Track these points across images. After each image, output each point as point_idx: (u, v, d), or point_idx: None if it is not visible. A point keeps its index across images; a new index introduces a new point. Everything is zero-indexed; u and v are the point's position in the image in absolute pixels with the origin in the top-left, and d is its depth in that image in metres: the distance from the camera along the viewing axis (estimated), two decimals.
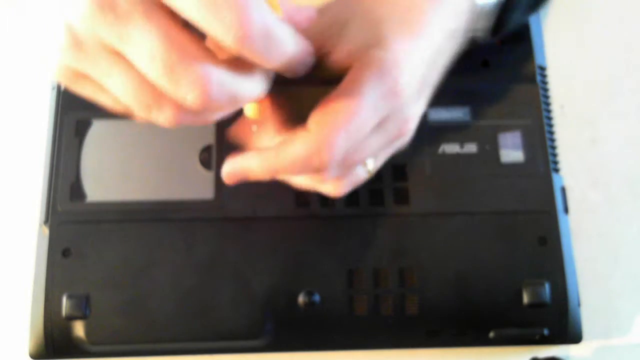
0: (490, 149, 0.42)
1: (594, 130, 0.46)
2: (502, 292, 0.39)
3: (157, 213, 0.40)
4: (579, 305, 0.40)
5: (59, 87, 0.43)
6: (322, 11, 0.34)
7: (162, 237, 0.40)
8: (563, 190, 0.42)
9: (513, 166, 0.42)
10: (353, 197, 0.41)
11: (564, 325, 0.39)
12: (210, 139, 0.42)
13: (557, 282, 0.39)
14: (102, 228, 0.40)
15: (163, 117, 0.27)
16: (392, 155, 0.36)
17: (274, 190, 0.41)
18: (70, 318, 0.38)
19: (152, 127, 0.42)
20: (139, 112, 0.27)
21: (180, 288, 0.39)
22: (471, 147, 0.42)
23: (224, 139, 0.41)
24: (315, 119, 0.30)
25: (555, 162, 0.42)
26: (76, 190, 0.41)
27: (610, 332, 0.42)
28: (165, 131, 0.42)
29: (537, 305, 0.39)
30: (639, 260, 0.43)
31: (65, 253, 0.39)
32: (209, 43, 0.26)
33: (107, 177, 0.41)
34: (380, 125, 0.32)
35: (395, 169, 0.41)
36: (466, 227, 0.40)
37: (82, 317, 0.38)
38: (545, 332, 0.39)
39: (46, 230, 0.40)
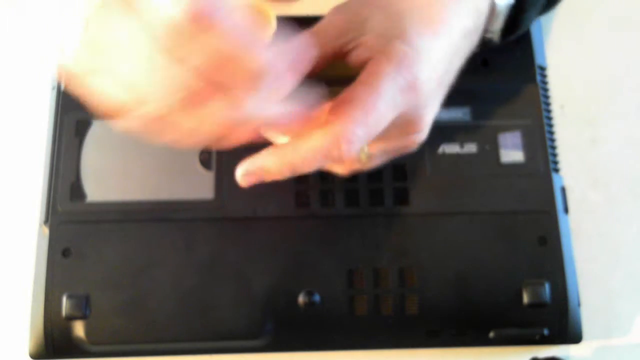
0: (490, 149, 0.42)
1: (594, 130, 0.46)
2: (502, 292, 0.39)
3: (157, 213, 0.40)
4: (579, 305, 0.40)
5: (59, 87, 0.43)
6: (341, 8, 0.34)
7: (162, 237, 0.40)
8: (563, 190, 0.42)
9: (513, 166, 0.42)
10: (353, 197, 0.41)
11: (564, 325, 0.39)
12: None
13: (557, 282, 0.39)
14: (102, 228, 0.40)
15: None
16: (402, 153, 0.36)
17: (274, 190, 0.40)
18: (70, 318, 0.38)
19: None
20: (142, 103, 0.26)
21: (180, 288, 0.39)
22: (471, 147, 0.42)
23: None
24: (335, 111, 0.30)
25: (555, 162, 0.42)
26: (76, 190, 0.41)
27: (610, 332, 0.42)
28: None
29: (537, 305, 0.39)
30: (639, 260, 0.43)
31: (65, 253, 0.39)
32: None
33: (107, 177, 0.41)
34: (395, 119, 0.31)
35: (395, 169, 0.41)
36: (466, 227, 0.40)
37: (82, 317, 0.38)
38: (545, 332, 0.39)
39: (46, 230, 0.40)
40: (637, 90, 0.47)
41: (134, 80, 0.26)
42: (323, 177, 0.41)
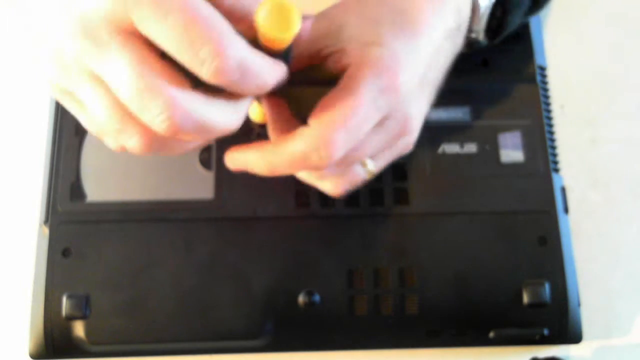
0: (490, 149, 0.42)
1: (594, 130, 0.46)
2: (502, 292, 0.39)
3: (157, 213, 0.40)
4: (579, 305, 0.40)
5: None
6: (320, 16, 0.34)
7: (162, 237, 0.40)
8: (563, 190, 0.42)
9: (513, 166, 0.42)
10: (353, 197, 0.41)
11: (564, 325, 0.39)
12: None
13: (557, 282, 0.39)
14: (102, 228, 0.40)
15: (132, 142, 0.28)
16: (397, 157, 0.36)
17: (274, 190, 0.41)
18: (70, 318, 0.38)
19: None
20: (111, 135, 0.29)
21: (180, 288, 0.39)
22: (471, 147, 0.42)
23: (224, 139, 0.41)
24: (315, 116, 0.30)
25: (555, 162, 0.42)
26: (76, 190, 0.41)
27: (610, 332, 0.42)
28: None
29: (537, 305, 0.39)
30: (639, 260, 0.43)
31: (65, 253, 0.39)
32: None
33: (107, 177, 0.41)
34: (381, 123, 0.32)
35: (395, 169, 0.41)
36: (466, 227, 0.40)
37: (82, 317, 0.38)
38: (545, 332, 0.39)
39: (46, 230, 0.40)
40: (637, 90, 0.47)
41: (97, 117, 0.28)
42: None
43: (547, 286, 0.39)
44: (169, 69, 0.26)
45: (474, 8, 0.37)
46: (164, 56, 0.26)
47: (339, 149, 0.30)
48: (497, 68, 0.44)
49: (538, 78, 0.44)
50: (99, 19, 0.25)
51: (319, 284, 0.39)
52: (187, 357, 0.40)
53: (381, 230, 0.40)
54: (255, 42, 0.28)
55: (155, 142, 0.28)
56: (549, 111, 0.44)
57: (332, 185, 0.36)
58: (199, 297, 0.39)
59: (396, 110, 0.32)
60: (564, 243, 0.40)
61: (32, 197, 0.42)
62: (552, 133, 0.43)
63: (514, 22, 0.39)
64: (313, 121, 0.30)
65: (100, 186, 0.41)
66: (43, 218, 0.40)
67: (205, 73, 0.25)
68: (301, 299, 0.39)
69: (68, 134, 0.42)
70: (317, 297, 0.39)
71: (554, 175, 0.42)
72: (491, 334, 0.39)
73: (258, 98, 0.35)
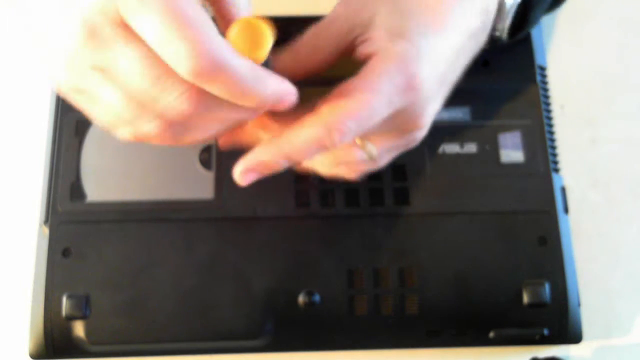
0: (490, 149, 0.42)
1: (594, 130, 0.46)
2: (502, 292, 0.39)
3: (157, 213, 0.40)
4: (579, 305, 0.40)
5: None
6: (353, 3, 0.34)
7: (162, 237, 0.40)
8: (563, 190, 0.42)
9: (513, 166, 0.42)
10: (353, 197, 0.41)
11: (564, 325, 0.39)
12: None
13: (557, 282, 0.39)
14: (102, 228, 0.40)
15: (150, 127, 0.28)
16: (402, 150, 0.36)
17: (274, 190, 0.41)
18: (70, 318, 0.38)
19: None
20: (128, 123, 0.29)
21: (180, 288, 0.39)
22: (471, 147, 0.42)
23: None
24: (328, 101, 0.30)
25: (555, 162, 0.42)
26: (76, 190, 0.41)
27: (610, 332, 0.42)
28: None
29: (537, 305, 0.39)
30: (639, 260, 0.43)
31: (65, 253, 0.39)
32: None
33: (107, 177, 0.41)
34: (393, 116, 0.32)
35: (395, 169, 0.41)
36: (466, 227, 0.40)
37: (82, 317, 0.38)
38: (545, 332, 0.39)
39: (46, 230, 0.40)
40: (637, 90, 0.47)
41: (113, 108, 0.28)
42: (323, 177, 0.41)
43: (547, 286, 0.39)
44: None
45: (500, 6, 0.37)
46: None
47: (348, 135, 0.30)
48: (497, 68, 0.44)
49: (538, 78, 0.44)
50: (99, 15, 0.26)
51: (319, 284, 0.39)
52: (187, 357, 0.40)
53: (381, 230, 0.40)
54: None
55: (173, 127, 0.28)
56: (549, 111, 0.44)
57: (350, 173, 0.36)
58: (199, 297, 0.39)
59: (410, 106, 0.32)
60: (564, 243, 0.40)
61: (32, 197, 0.42)
62: (552, 133, 0.43)
63: (536, 18, 0.39)
64: (327, 106, 0.30)
65: (100, 186, 0.41)
66: (43, 218, 0.40)
67: (181, 71, 0.25)
68: (301, 299, 0.39)
69: (68, 134, 0.42)
70: (317, 297, 0.39)
71: (554, 175, 0.42)
72: (491, 334, 0.39)
73: None
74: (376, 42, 0.32)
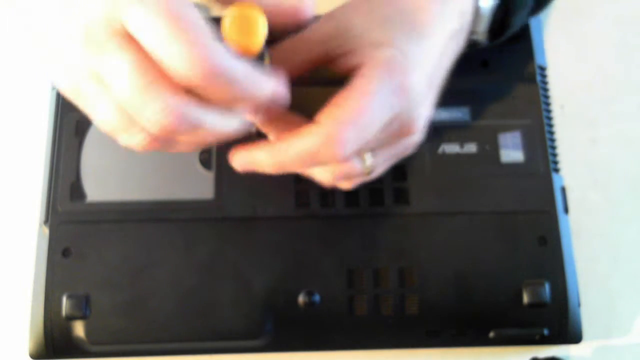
0: (490, 149, 0.42)
1: (594, 130, 0.46)
2: (502, 292, 0.39)
3: (157, 213, 0.40)
4: (579, 305, 0.40)
5: None
6: (327, 17, 0.34)
7: (162, 237, 0.40)
8: (563, 190, 0.42)
9: (513, 166, 0.42)
10: (353, 197, 0.41)
11: (564, 325, 0.39)
12: None
13: (557, 282, 0.39)
14: (102, 228, 0.40)
15: (135, 141, 0.29)
16: (400, 156, 0.36)
17: (274, 190, 0.41)
18: (70, 318, 0.38)
19: None
20: (117, 133, 0.29)
21: (180, 288, 0.39)
22: (471, 147, 0.42)
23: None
24: (326, 113, 0.30)
25: (555, 162, 0.42)
26: (76, 190, 0.41)
27: (610, 332, 0.42)
28: None
29: (537, 305, 0.39)
30: (639, 260, 0.43)
31: (65, 253, 0.39)
32: None
33: (107, 177, 0.41)
34: (389, 123, 0.32)
35: (395, 169, 0.41)
36: (466, 227, 0.40)
37: (82, 317, 0.38)
38: (545, 332, 0.39)
39: (46, 230, 0.40)
40: (637, 90, 0.47)
41: (106, 116, 0.29)
42: None
43: (547, 286, 0.39)
44: (164, 72, 0.26)
45: (476, 9, 0.37)
46: None
47: (349, 147, 0.30)
48: (497, 68, 0.44)
49: (538, 78, 0.44)
50: (96, 20, 0.26)
51: (319, 284, 0.39)
52: (187, 357, 0.40)
53: (381, 230, 0.40)
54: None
55: (158, 140, 0.29)
56: (549, 111, 0.44)
57: (346, 183, 0.36)
58: (199, 297, 0.39)
59: (405, 110, 0.32)
60: (564, 243, 0.40)
61: (32, 197, 0.42)
62: (552, 133, 0.43)
63: (517, 22, 0.39)
64: (323, 118, 0.30)
65: (100, 186, 0.41)
66: (43, 218, 0.40)
67: (180, 73, 0.25)
68: (301, 299, 0.39)
69: (68, 134, 0.42)
70: (317, 297, 0.39)
71: (554, 175, 0.42)
72: (491, 334, 0.39)
73: None
74: (361, 52, 0.32)
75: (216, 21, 0.27)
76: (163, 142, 0.29)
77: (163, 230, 0.40)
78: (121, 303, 0.39)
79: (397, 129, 0.33)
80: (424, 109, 0.34)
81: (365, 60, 0.32)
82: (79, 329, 0.39)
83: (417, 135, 0.35)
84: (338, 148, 0.30)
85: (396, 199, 0.41)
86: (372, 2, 0.34)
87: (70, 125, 0.42)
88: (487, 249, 0.40)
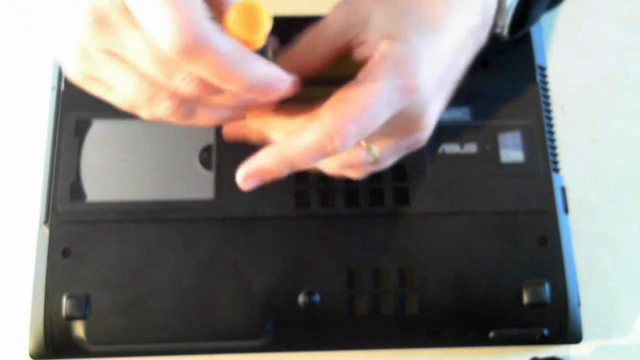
0: (490, 149, 0.42)
1: (594, 130, 0.46)
2: (502, 292, 0.39)
3: (157, 213, 0.40)
4: (579, 305, 0.40)
5: (59, 87, 0.43)
6: (344, 4, 0.34)
7: (162, 237, 0.40)
8: (563, 190, 0.42)
9: (513, 166, 0.42)
10: (353, 197, 0.41)
11: (564, 325, 0.39)
12: (210, 139, 0.42)
13: (557, 282, 0.39)
14: (102, 228, 0.40)
15: (163, 108, 0.29)
16: (407, 151, 0.36)
17: (274, 190, 0.40)
18: (70, 318, 0.38)
19: (152, 127, 0.42)
20: (142, 105, 0.30)
21: (180, 288, 0.39)
22: (471, 147, 0.42)
23: (224, 140, 0.41)
24: (328, 106, 0.30)
25: (555, 162, 0.42)
26: (76, 190, 0.41)
27: (610, 332, 0.42)
28: (166, 131, 0.42)
29: (537, 305, 0.39)
30: (639, 260, 0.43)
31: (65, 253, 0.39)
32: None
33: (107, 177, 0.41)
34: (394, 118, 0.31)
35: (395, 169, 0.41)
36: (466, 227, 0.40)
37: (82, 317, 0.38)
38: (545, 332, 0.39)
39: (46, 230, 0.40)
40: (637, 90, 0.47)
41: (127, 91, 0.29)
42: (323, 177, 0.41)
43: (547, 286, 0.39)
44: None
45: (500, 3, 0.37)
46: None
47: (350, 140, 0.30)
48: (497, 68, 0.44)
49: (538, 78, 0.44)
50: (106, 1, 0.26)
51: (319, 284, 0.39)
52: (187, 357, 0.40)
53: (381, 230, 0.40)
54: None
55: (185, 106, 0.29)
56: (549, 111, 0.44)
57: (355, 173, 0.36)
58: (199, 297, 0.39)
59: (410, 108, 0.32)
60: (564, 243, 0.40)
61: (32, 197, 0.42)
62: (552, 133, 0.43)
63: (537, 15, 0.39)
64: (325, 111, 0.30)
65: (100, 186, 0.41)
66: (43, 218, 0.40)
67: (164, 47, 0.26)
68: (301, 299, 0.39)
69: (68, 134, 0.42)
70: (317, 297, 0.39)
71: (554, 175, 0.42)
72: (491, 334, 0.39)
73: None
74: (372, 44, 0.32)
75: None
76: (187, 109, 0.30)
77: (163, 230, 0.40)
78: (121, 303, 0.39)
79: (403, 125, 0.33)
80: (433, 106, 0.34)
81: (374, 53, 0.31)
82: (79, 329, 0.39)
83: (427, 130, 0.35)
84: (339, 141, 0.30)
85: (396, 199, 0.41)
86: None
87: (70, 125, 0.42)
88: (487, 249, 0.40)
